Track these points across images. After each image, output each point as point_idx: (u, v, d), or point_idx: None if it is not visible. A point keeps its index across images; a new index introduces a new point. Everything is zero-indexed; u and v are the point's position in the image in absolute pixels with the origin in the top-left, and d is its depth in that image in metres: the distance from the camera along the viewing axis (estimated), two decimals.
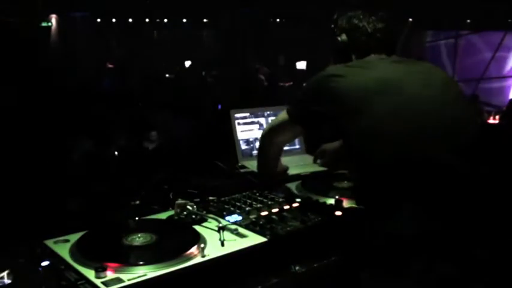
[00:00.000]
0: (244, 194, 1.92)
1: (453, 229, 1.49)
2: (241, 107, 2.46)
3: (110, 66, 12.48)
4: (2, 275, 1.30)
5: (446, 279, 1.46)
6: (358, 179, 1.64)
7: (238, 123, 2.42)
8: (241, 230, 1.56)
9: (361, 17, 1.72)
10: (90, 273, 1.29)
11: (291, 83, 11.20)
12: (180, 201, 1.68)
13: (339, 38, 1.74)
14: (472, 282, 1.53)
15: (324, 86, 1.61)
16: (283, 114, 1.81)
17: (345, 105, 1.55)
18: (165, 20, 13.91)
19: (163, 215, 1.73)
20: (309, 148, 2.50)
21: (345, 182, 2.06)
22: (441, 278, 1.45)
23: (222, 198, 1.86)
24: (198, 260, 1.38)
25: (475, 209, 1.57)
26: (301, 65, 12.66)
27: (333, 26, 1.78)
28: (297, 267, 1.53)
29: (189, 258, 1.38)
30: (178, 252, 1.39)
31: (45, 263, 1.38)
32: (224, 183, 2.21)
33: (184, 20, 13.97)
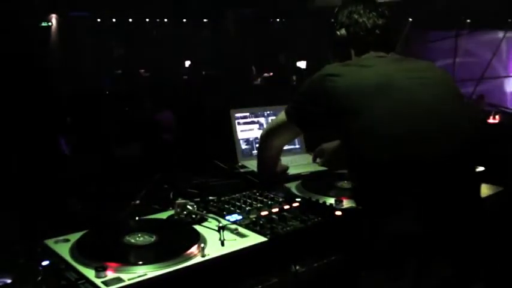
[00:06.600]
0: (244, 193, 1.92)
1: (452, 229, 1.49)
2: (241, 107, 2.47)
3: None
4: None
5: (446, 279, 1.46)
6: (357, 179, 1.64)
7: (238, 123, 2.43)
8: (242, 230, 1.57)
9: (361, 12, 1.70)
10: (90, 273, 1.29)
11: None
12: (180, 201, 1.68)
13: (338, 33, 1.73)
14: (471, 282, 1.53)
15: (320, 86, 1.60)
16: (281, 115, 1.81)
17: (342, 105, 1.54)
18: (165, 20, 13.92)
19: (163, 215, 1.73)
20: (309, 147, 2.50)
21: (345, 181, 2.06)
22: (441, 278, 1.45)
23: (222, 198, 1.86)
24: (198, 259, 1.38)
25: (473, 208, 1.57)
26: (302, 64, 12.66)
27: (333, 20, 1.77)
28: (297, 267, 1.53)
29: (189, 258, 1.38)
30: (178, 252, 1.39)
31: (45, 263, 1.38)
32: (224, 183, 2.21)
33: (184, 20, 13.97)
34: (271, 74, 10.82)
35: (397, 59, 1.67)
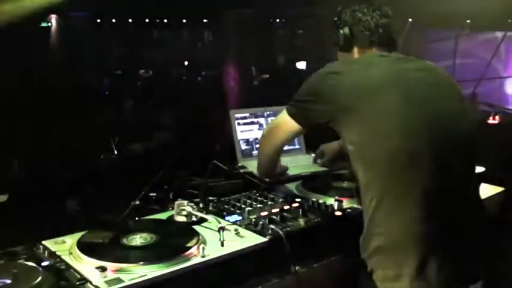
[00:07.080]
0: (244, 194, 1.92)
1: (452, 229, 1.49)
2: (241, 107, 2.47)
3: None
4: None
5: (446, 278, 1.46)
6: (357, 178, 1.63)
7: (238, 123, 2.42)
8: (241, 230, 1.57)
9: (365, 10, 1.71)
10: (90, 273, 1.29)
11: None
12: (180, 201, 1.68)
13: (342, 32, 1.74)
14: (471, 282, 1.53)
15: (322, 84, 1.60)
16: (282, 114, 1.80)
17: (343, 103, 1.54)
18: (165, 20, 13.91)
19: (163, 215, 1.73)
20: (309, 147, 2.50)
21: (345, 182, 2.06)
22: (441, 278, 1.45)
23: (222, 198, 1.86)
24: (198, 260, 1.38)
25: (473, 209, 1.57)
26: (301, 65, 12.64)
27: (336, 18, 1.77)
28: (297, 267, 1.53)
29: (189, 258, 1.38)
30: (178, 252, 1.39)
31: (45, 263, 1.38)
32: (224, 183, 2.21)
33: (184, 20, 13.96)
34: (268, 76, 10.83)
35: (400, 58, 1.67)
